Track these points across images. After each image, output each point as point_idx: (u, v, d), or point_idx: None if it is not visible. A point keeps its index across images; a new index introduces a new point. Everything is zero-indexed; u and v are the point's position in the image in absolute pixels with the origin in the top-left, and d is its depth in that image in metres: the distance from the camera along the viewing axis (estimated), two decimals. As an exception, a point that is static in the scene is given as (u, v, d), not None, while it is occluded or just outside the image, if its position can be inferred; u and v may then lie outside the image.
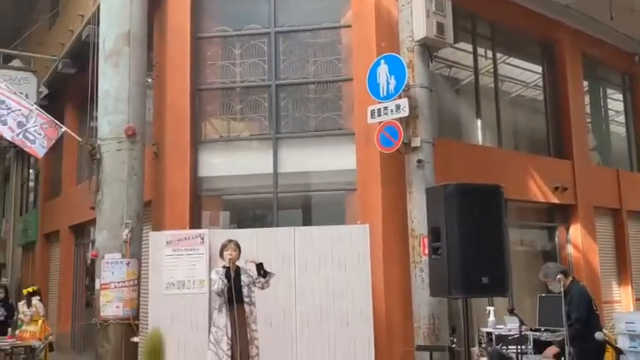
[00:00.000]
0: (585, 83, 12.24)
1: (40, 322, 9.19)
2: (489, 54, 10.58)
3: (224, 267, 5.91)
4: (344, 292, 7.07)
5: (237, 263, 5.98)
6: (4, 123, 7.79)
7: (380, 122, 7.43)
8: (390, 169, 7.77)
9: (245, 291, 5.88)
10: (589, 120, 12.47)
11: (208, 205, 8.75)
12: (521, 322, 5.92)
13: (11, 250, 18.34)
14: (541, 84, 11.51)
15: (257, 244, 7.13)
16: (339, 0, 8.69)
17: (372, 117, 7.53)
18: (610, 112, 13.64)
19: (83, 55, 9.83)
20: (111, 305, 7.52)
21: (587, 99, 12.46)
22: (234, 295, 5.77)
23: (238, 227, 8.54)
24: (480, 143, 10.07)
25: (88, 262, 11.91)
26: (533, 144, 11.35)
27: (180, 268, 7.22)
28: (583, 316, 5.50)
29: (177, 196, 8.36)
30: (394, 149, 7.36)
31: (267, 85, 8.65)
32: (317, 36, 8.68)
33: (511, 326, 6.86)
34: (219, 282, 5.77)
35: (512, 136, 11.07)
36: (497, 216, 5.50)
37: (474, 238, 5.31)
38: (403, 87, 7.27)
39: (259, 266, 5.85)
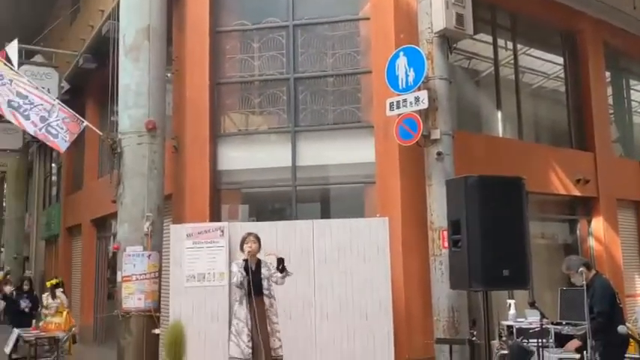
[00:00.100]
0: (607, 74, 12.06)
1: (64, 313, 9.35)
2: (510, 45, 10.46)
3: (244, 260, 5.94)
4: (363, 285, 7.07)
5: (258, 256, 6.01)
6: (27, 118, 7.90)
7: (399, 114, 7.40)
8: (409, 161, 7.74)
9: (265, 284, 5.90)
10: (611, 111, 12.29)
11: (228, 199, 8.80)
12: (543, 316, 5.87)
13: (35, 244, 18.65)
14: (562, 75, 11.36)
15: (276, 236, 7.17)
16: (357, -8, 8.67)
17: (390, 109, 7.49)
18: (633, 103, 13.44)
19: (104, 50, 9.92)
20: (132, 297, 7.61)
21: (609, 90, 12.27)
22: (252, 287, 5.79)
23: (257, 220, 8.59)
24: (501, 135, 9.98)
25: (110, 254, 12.08)
26: (555, 136, 11.23)
27: (201, 260, 7.28)
28: (606, 309, 5.44)
29: (197, 190, 8.42)
30: (413, 142, 7.32)
31: (286, 78, 8.66)
32: (335, 28, 8.65)
33: (532, 319, 6.80)
34: (238, 274, 5.80)
35: (533, 128, 10.95)
36: (519, 208, 5.45)
37: (495, 231, 5.26)
38: (422, 79, 7.22)
39: (280, 261, 5.85)
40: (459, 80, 9.39)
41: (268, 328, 5.84)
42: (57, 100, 8.42)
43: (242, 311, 5.85)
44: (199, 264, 7.28)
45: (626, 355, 5.71)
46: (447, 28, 7.33)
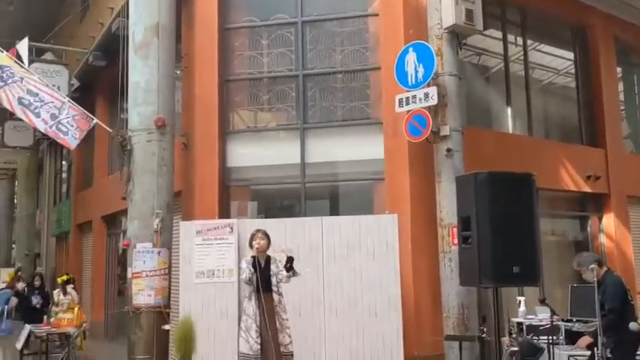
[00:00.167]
0: (619, 69, 11.98)
1: (75, 309, 9.42)
2: (519, 41, 10.41)
3: (252, 256, 5.95)
4: (372, 282, 7.07)
5: (268, 252, 6.02)
6: (38, 115, 7.94)
7: (408, 111, 7.38)
8: (418, 158, 7.72)
9: (273, 280, 5.90)
10: (622, 107, 12.21)
11: (237, 196, 8.82)
12: (553, 313, 5.85)
13: (45, 240, 18.76)
14: (573, 71, 11.29)
15: (285, 233, 7.17)
16: (366, -12, 8.65)
17: (400, 106, 7.47)
18: (644, 98, 13.33)
19: (113, 47, 9.96)
20: (143, 294, 7.65)
21: (620, 86, 12.18)
22: (261, 283, 5.81)
23: (266, 217, 8.61)
24: (511, 132, 9.93)
25: (120, 251, 12.14)
26: (565, 132, 11.16)
27: (210, 257, 7.29)
28: (617, 306, 5.40)
29: (207, 187, 8.45)
30: (423, 138, 7.30)
31: (295, 75, 8.65)
32: (344, 25, 8.64)
33: (542, 316, 6.79)
34: (247, 271, 5.82)
35: (543, 124, 10.89)
36: (529, 205, 5.41)
37: (505, 227, 5.23)
38: (432, 75, 7.20)
39: (289, 260, 5.85)
40: (469, 76, 9.35)
41: (278, 324, 5.85)
42: (67, 98, 8.46)
43: (251, 307, 5.86)
44: (209, 260, 7.30)
45: (638, 352, 5.67)
46: (457, 23, 7.30)
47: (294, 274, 5.85)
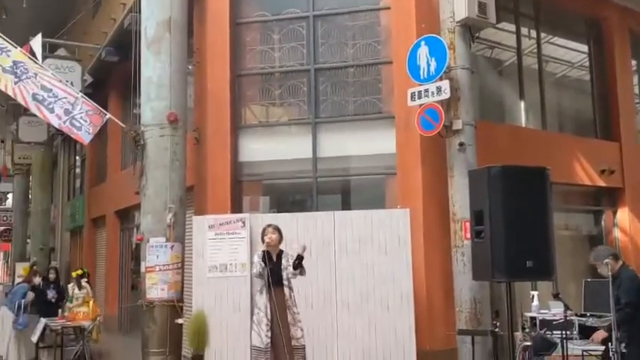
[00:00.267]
0: (633, 62, 11.83)
1: (90, 303, 9.51)
2: (533, 34, 10.32)
3: (263, 251, 5.98)
4: (385, 277, 7.06)
5: (281, 247, 6.04)
6: (52, 111, 8.00)
7: (420, 105, 7.34)
8: (430, 152, 7.69)
9: (284, 274, 5.93)
10: (637, 100, 12.06)
11: (249, 190, 8.84)
12: (566, 307, 5.80)
13: (60, 235, 18.95)
14: (587, 64, 11.18)
15: (297, 228, 7.18)
16: (377, -19, 8.61)
17: (412, 100, 7.44)
18: (660, 92, 13.16)
19: (125, 43, 10.00)
20: (156, 288, 7.70)
21: (635, 79, 12.04)
22: (271, 277, 5.84)
23: (278, 212, 8.61)
24: (524, 125, 9.86)
25: (134, 245, 12.22)
26: (579, 126, 11.07)
27: (223, 251, 7.32)
28: (633, 300, 5.35)
29: (219, 181, 8.48)
30: (435, 132, 7.26)
31: (306, 69, 8.64)
32: (355, 18, 8.60)
33: (555, 311, 6.73)
34: (257, 265, 5.87)
35: (557, 117, 10.81)
36: (543, 198, 5.39)
37: (519, 221, 5.21)
38: (444, 69, 7.15)
39: (298, 257, 5.87)
40: (482, 70, 9.29)
41: (290, 317, 5.87)
42: (80, 93, 8.51)
43: (262, 301, 5.90)
44: (221, 255, 7.33)
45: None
46: (469, 16, 7.24)
47: (302, 272, 5.89)
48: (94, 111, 8.22)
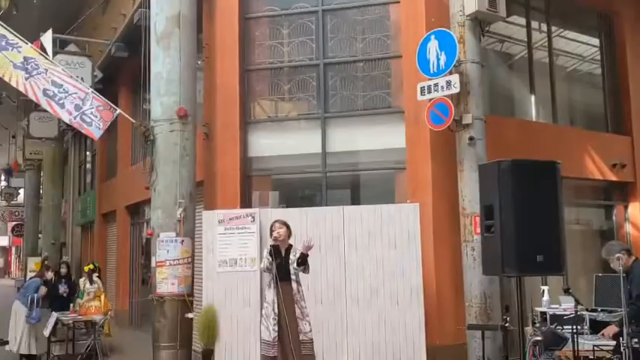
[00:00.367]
0: (646, 55, 11.70)
1: (102, 297, 9.59)
2: (543, 27, 10.23)
3: (271, 245, 6.01)
4: (394, 271, 7.05)
5: (290, 242, 6.06)
6: (63, 106, 8.04)
7: (430, 99, 7.32)
8: (440, 146, 7.67)
9: (292, 269, 5.95)
10: (650, 94, 11.94)
11: (258, 185, 8.86)
12: (577, 302, 5.79)
13: (71, 230, 19.08)
14: (598, 57, 11.09)
15: (306, 223, 7.20)
16: (387, -25, 8.56)
17: (422, 94, 7.41)
18: (673, 85, 13.01)
19: (135, 38, 10.02)
20: (166, 282, 7.74)
21: (647, 72, 11.92)
22: (279, 272, 5.88)
23: (287, 207, 8.62)
24: (534, 119, 9.80)
25: (144, 240, 12.29)
26: (590, 120, 10.98)
27: (233, 246, 7.35)
28: (645, 294, 5.34)
29: (228, 176, 8.50)
30: (445, 127, 7.23)
31: (315, 64, 8.63)
32: (365, 13, 8.58)
33: (566, 306, 6.71)
34: (265, 260, 5.92)
35: (568, 111, 10.73)
36: (554, 193, 5.35)
37: (529, 216, 5.18)
38: (454, 63, 7.11)
39: (302, 256, 5.88)
40: (492, 64, 9.24)
41: (298, 312, 5.90)
42: (90, 89, 8.55)
43: (270, 295, 5.94)
44: (231, 250, 7.36)
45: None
46: (480, 10, 7.19)
47: (305, 270, 5.94)
48: (105, 106, 8.25)
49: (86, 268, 10.00)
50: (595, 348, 5.76)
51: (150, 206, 8.37)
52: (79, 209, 18.42)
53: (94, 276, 9.81)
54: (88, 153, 18.53)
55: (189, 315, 7.72)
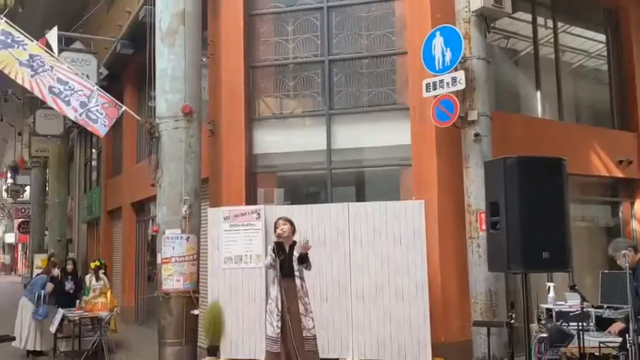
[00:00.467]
0: (652, 52, 11.64)
1: (108, 293, 9.63)
2: (549, 23, 10.20)
3: (275, 242, 6.02)
4: (399, 268, 7.05)
5: (295, 238, 6.07)
6: (68, 103, 8.06)
7: (435, 96, 7.30)
8: (445, 143, 7.65)
9: (295, 266, 5.96)
10: (656, 91, 11.88)
11: (263, 182, 8.86)
12: (583, 299, 5.77)
13: (77, 227, 19.16)
14: (605, 53, 11.04)
15: (311, 220, 7.21)
16: (392, -29, 8.54)
17: (427, 90, 7.40)
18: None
19: (140, 35, 10.03)
20: (172, 279, 7.76)
21: (654, 68, 11.86)
22: (282, 268, 5.90)
23: (292, 204, 8.62)
24: (540, 116, 9.77)
25: (150, 237, 12.32)
26: (596, 116, 10.94)
27: (238, 243, 7.37)
28: (651, 291, 5.32)
29: (233, 173, 8.51)
30: (450, 123, 7.21)
31: (320, 60, 8.62)
32: (370, 9, 8.56)
33: (572, 303, 6.68)
34: (268, 256, 5.94)
35: (574, 108, 10.69)
36: (559, 189, 5.34)
37: (535, 212, 5.17)
38: (459, 59, 7.09)
39: (301, 256, 5.89)
40: (497, 60, 9.21)
41: (301, 307, 5.90)
42: (96, 86, 8.57)
43: (273, 291, 5.96)
44: (236, 246, 7.38)
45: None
46: (485, 6, 7.17)
47: (307, 267, 5.96)
48: (110, 103, 8.27)
49: (92, 265, 10.03)
50: (601, 345, 5.74)
51: (155, 203, 8.39)
52: (85, 206, 18.49)
53: (100, 273, 9.84)
54: (93, 150, 18.59)
55: (195, 311, 7.74)
